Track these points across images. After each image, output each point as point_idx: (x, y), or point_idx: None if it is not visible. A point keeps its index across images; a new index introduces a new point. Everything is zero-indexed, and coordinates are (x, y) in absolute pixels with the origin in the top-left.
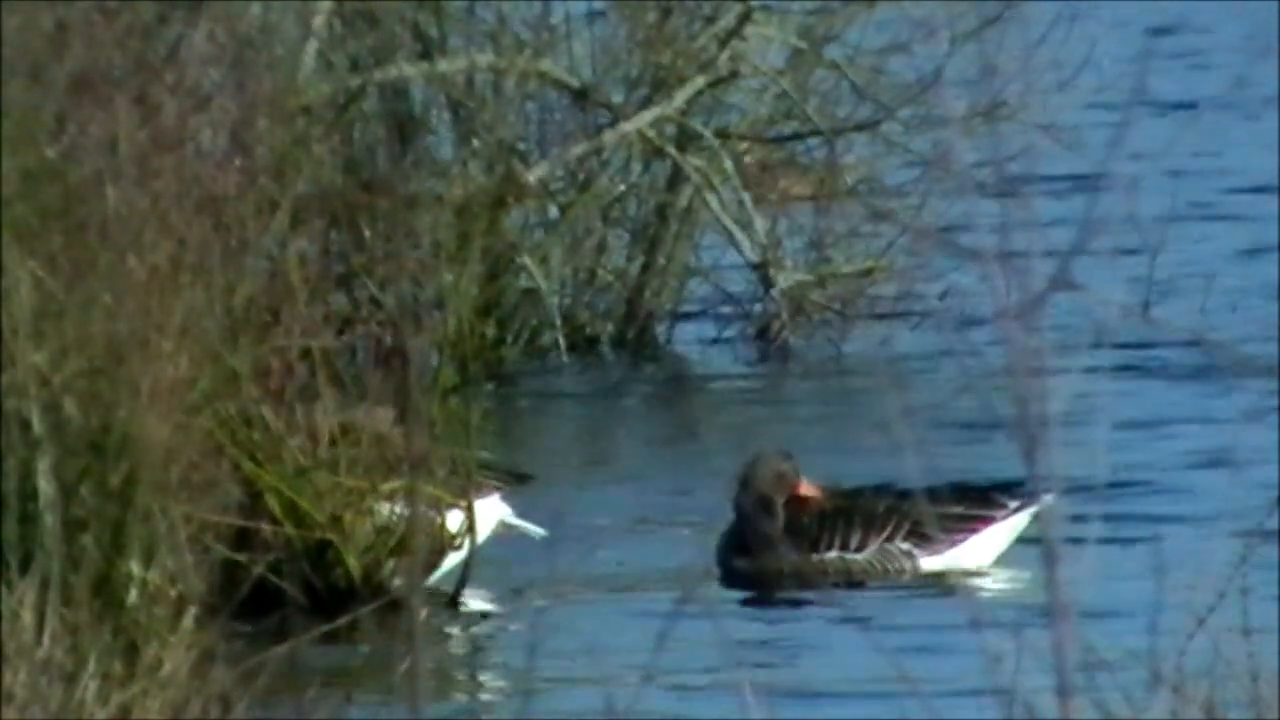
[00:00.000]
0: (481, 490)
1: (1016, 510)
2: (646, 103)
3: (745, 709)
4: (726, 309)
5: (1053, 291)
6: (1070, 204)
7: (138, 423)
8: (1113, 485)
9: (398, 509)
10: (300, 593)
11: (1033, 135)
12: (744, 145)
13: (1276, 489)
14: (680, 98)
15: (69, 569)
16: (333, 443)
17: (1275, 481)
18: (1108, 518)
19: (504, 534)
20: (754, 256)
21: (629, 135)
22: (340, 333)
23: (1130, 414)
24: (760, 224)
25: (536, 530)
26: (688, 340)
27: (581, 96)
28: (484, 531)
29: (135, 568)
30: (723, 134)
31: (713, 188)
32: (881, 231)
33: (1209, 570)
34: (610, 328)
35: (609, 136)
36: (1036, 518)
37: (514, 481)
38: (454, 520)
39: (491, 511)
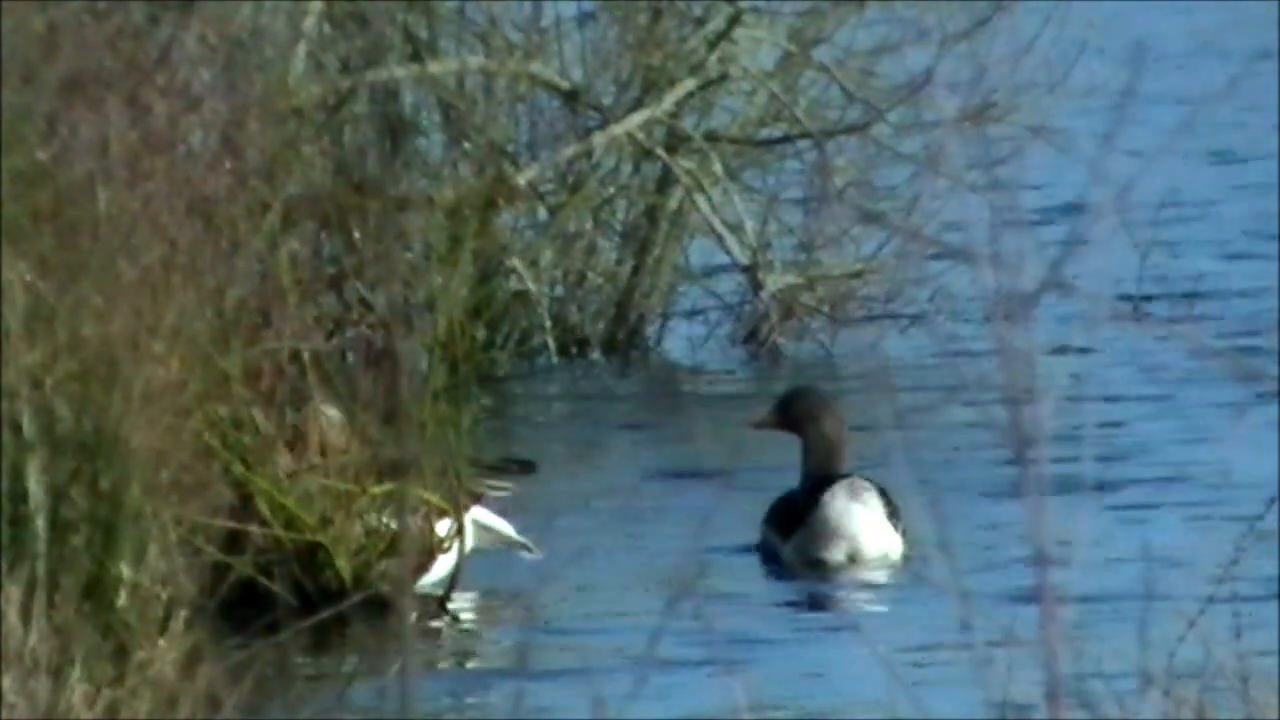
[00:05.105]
0: (479, 498)
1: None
2: (636, 105)
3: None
4: (716, 311)
5: (1044, 291)
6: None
7: (129, 425)
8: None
9: (385, 516)
10: (291, 595)
11: (1023, 137)
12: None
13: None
14: (670, 100)
15: (59, 570)
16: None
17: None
18: (1098, 511)
19: (495, 544)
20: (744, 259)
21: (619, 137)
22: (331, 335)
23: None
24: (750, 226)
25: (525, 542)
26: (678, 342)
27: (571, 99)
28: (469, 539)
29: (125, 570)
30: (712, 136)
31: (702, 190)
32: (871, 233)
33: (1201, 569)
34: (600, 330)
35: (599, 139)
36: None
37: (516, 473)
38: (444, 524)
39: (476, 516)
